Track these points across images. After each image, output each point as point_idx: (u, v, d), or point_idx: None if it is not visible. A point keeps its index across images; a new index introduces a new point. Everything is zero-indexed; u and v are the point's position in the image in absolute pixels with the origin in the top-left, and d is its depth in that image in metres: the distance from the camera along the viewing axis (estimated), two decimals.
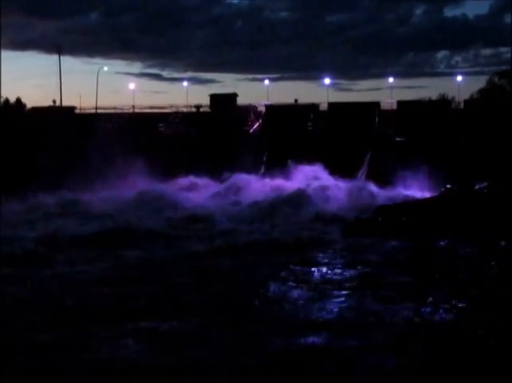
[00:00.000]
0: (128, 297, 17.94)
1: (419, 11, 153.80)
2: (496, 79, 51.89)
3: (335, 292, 18.51)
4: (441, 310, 16.60)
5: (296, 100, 60.04)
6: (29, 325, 15.42)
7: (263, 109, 57.59)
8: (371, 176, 44.49)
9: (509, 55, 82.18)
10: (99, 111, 62.46)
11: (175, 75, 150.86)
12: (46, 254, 24.06)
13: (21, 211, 35.37)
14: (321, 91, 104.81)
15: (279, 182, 43.82)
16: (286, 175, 44.88)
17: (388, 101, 56.79)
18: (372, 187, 40.92)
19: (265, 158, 49.90)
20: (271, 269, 21.61)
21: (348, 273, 21.10)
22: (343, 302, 17.60)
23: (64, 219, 33.40)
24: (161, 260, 23.31)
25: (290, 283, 19.70)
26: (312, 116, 54.89)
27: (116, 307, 16.93)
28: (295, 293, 18.65)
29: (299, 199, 37.71)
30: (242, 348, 13.82)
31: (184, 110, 59.88)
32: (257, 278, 20.39)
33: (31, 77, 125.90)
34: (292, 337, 14.51)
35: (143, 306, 17.02)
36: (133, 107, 62.40)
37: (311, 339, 14.42)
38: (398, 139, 49.20)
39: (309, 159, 45.06)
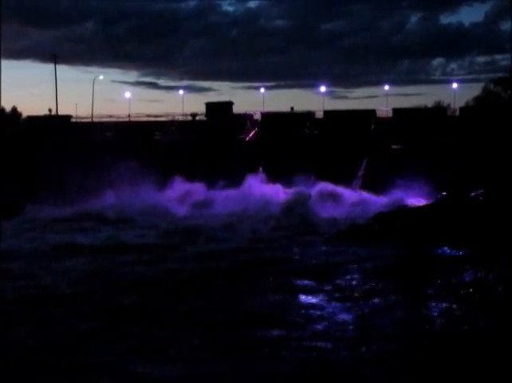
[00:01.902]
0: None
1: (414, 19, 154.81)
2: (491, 86, 52.06)
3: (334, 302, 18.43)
4: (437, 316, 16.59)
5: (292, 108, 60.11)
6: None
7: (259, 117, 57.67)
8: (366, 184, 44.53)
9: (504, 62, 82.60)
10: (95, 119, 62.54)
11: (171, 83, 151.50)
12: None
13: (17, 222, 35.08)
14: (317, 99, 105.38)
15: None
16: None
17: (384, 109, 57.01)
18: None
19: (261, 166, 49.86)
20: (264, 279, 21.51)
21: (342, 281, 21.02)
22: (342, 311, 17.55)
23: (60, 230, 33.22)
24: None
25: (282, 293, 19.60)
26: (308, 124, 54.98)
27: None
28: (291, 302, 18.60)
29: None
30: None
31: (180, 118, 60.00)
32: (254, 287, 20.36)
33: (27, 86, 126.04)
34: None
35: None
36: (129, 115, 62.48)
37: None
38: (394, 146, 49.28)
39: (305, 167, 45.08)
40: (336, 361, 13.49)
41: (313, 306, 18.00)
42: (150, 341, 14.88)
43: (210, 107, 58.70)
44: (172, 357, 13.86)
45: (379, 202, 39.97)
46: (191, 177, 45.55)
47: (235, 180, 44.32)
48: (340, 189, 42.86)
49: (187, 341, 14.84)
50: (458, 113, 54.27)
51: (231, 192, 43.01)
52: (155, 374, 12.89)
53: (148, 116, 62.03)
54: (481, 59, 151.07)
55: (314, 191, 41.56)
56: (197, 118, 59.54)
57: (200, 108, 60.24)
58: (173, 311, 17.40)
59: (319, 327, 15.89)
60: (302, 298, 19.00)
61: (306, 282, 20.97)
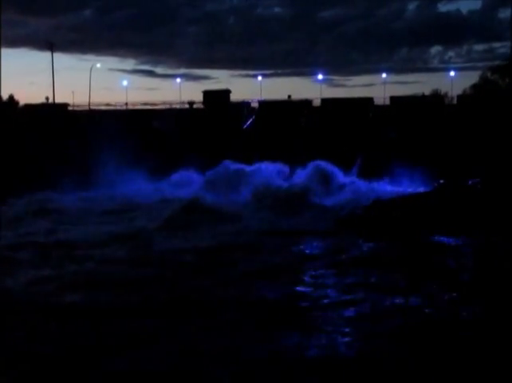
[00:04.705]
0: None
1: (412, 6, 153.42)
2: (489, 74, 51.85)
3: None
4: (433, 305, 16.64)
5: (289, 96, 60.05)
6: None
7: (256, 105, 57.58)
8: (364, 171, 44.51)
9: (502, 50, 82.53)
10: (92, 108, 62.41)
11: (169, 71, 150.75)
12: None
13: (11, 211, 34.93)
14: (315, 87, 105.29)
15: None
16: None
17: (381, 97, 56.93)
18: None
19: (258, 154, 49.78)
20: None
21: (338, 270, 21.07)
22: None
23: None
24: None
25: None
26: (305, 112, 54.88)
27: None
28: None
29: None
30: None
31: (177, 107, 59.88)
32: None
33: (24, 75, 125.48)
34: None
35: None
36: (126, 104, 62.36)
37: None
38: (391, 134, 49.24)
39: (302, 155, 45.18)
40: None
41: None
42: None
43: (208, 95, 58.55)
44: None
45: (376, 189, 39.99)
46: (188, 165, 45.56)
47: None
48: (338, 175, 43.14)
49: None
50: (455, 101, 54.23)
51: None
52: None
53: (145, 104, 61.99)
54: (479, 47, 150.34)
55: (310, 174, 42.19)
56: (194, 106, 59.45)
57: (197, 97, 60.28)
58: None
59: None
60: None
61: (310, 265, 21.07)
